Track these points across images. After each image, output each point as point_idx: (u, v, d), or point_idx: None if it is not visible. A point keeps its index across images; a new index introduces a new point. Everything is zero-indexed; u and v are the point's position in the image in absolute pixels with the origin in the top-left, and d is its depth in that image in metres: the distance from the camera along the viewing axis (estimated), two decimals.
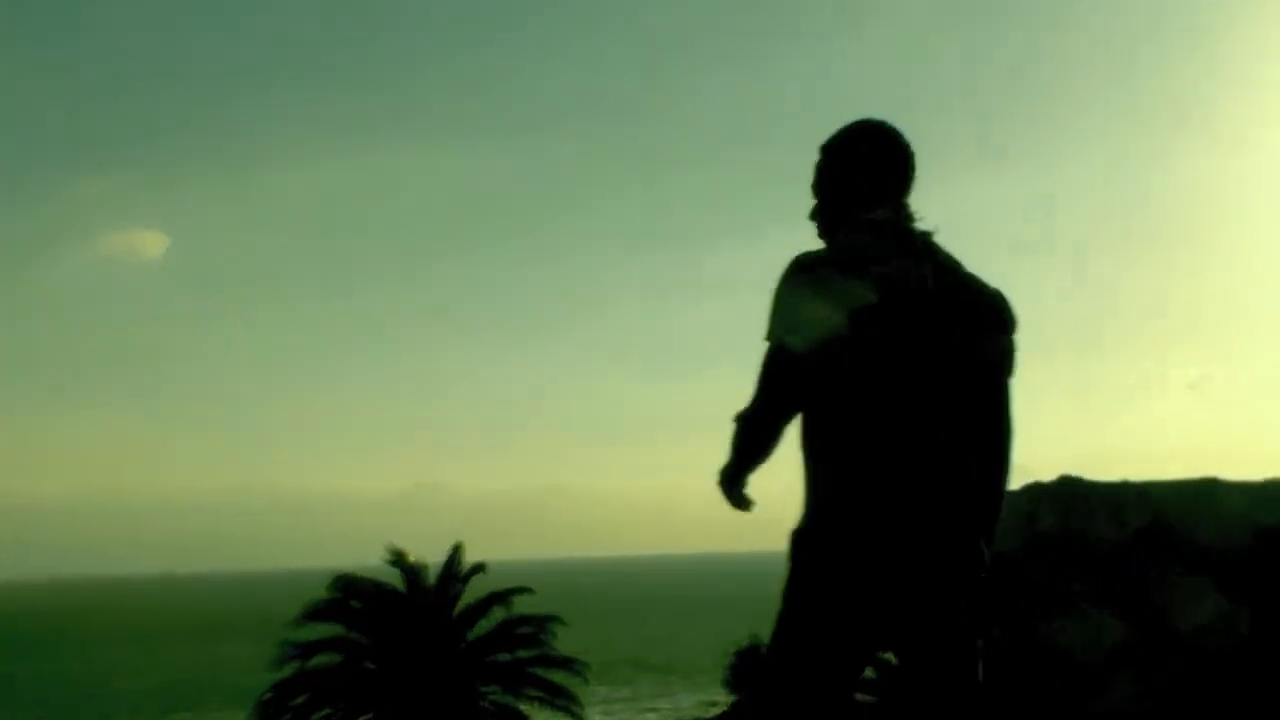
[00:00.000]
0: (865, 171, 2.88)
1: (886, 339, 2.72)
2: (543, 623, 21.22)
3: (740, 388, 2.83)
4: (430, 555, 21.67)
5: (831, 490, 2.78)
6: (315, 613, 20.74)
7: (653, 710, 52.81)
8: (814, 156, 2.97)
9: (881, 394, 2.73)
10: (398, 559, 21.26)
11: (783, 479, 2.97)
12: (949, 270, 2.84)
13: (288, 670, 20.11)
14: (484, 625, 21.17)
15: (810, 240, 2.92)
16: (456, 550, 21.43)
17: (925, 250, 2.85)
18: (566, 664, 21.26)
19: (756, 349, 2.83)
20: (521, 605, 21.27)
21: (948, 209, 2.95)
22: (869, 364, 2.72)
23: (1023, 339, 2.89)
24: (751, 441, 2.85)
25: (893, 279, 2.74)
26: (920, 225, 2.89)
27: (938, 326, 2.76)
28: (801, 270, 2.77)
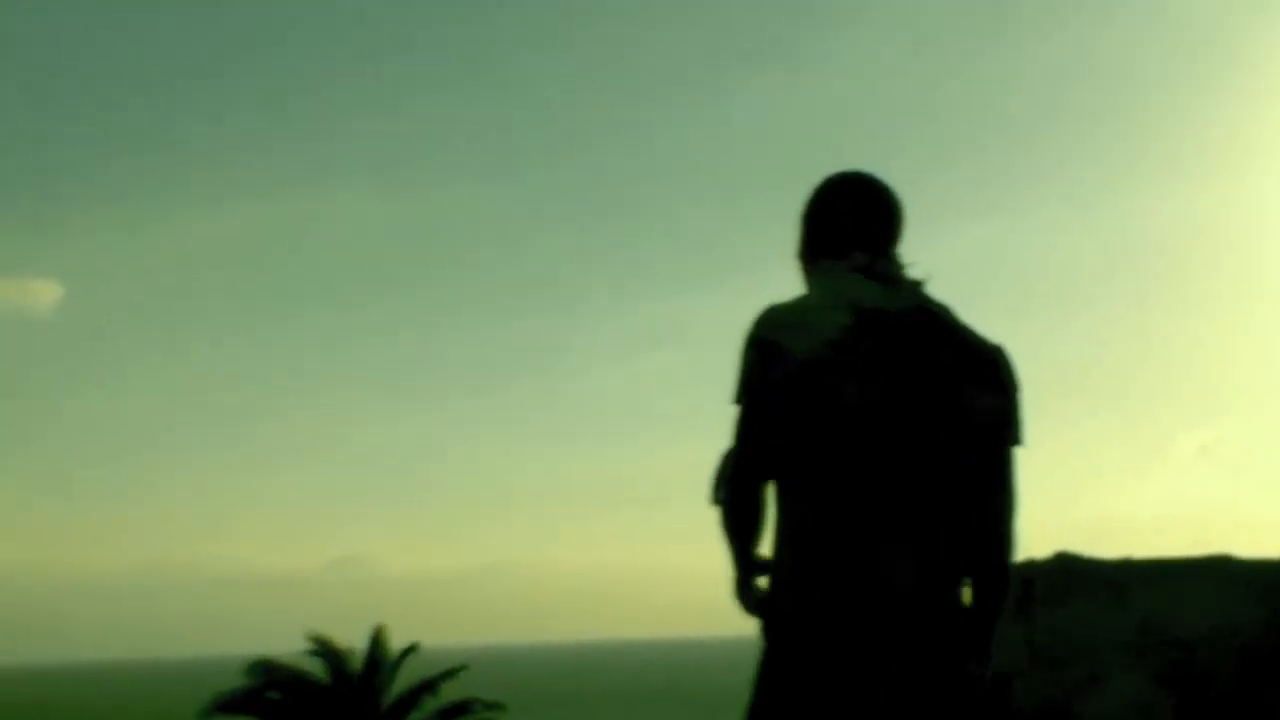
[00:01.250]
0: (844, 221, 2.91)
1: (851, 385, 2.69)
2: (482, 710, 20.98)
3: (699, 451, 2.79)
4: (355, 638, 21.45)
5: (798, 566, 2.75)
6: (228, 704, 20.41)
7: None
8: (783, 200, 3.00)
9: (845, 456, 2.69)
10: (319, 645, 21.02)
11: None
12: (937, 319, 2.82)
13: None
14: (416, 717, 20.89)
15: (753, 289, 2.95)
16: (378, 634, 21.21)
17: (912, 297, 2.84)
18: None
19: (712, 405, 2.84)
20: (458, 691, 21.04)
21: (929, 255, 2.94)
22: (832, 420, 2.69)
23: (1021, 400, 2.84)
24: (741, 515, 2.80)
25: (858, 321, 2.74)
26: (911, 273, 2.89)
27: (915, 378, 2.73)
28: (754, 327, 2.79)
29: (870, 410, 2.70)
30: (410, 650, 21.24)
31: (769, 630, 2.78)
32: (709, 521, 2.86)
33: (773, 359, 2.72)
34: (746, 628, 2.94)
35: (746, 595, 2.83)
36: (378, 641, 21.22)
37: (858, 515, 2.69)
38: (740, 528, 2.81)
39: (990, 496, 2.78)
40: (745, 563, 2.82)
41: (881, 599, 2.68)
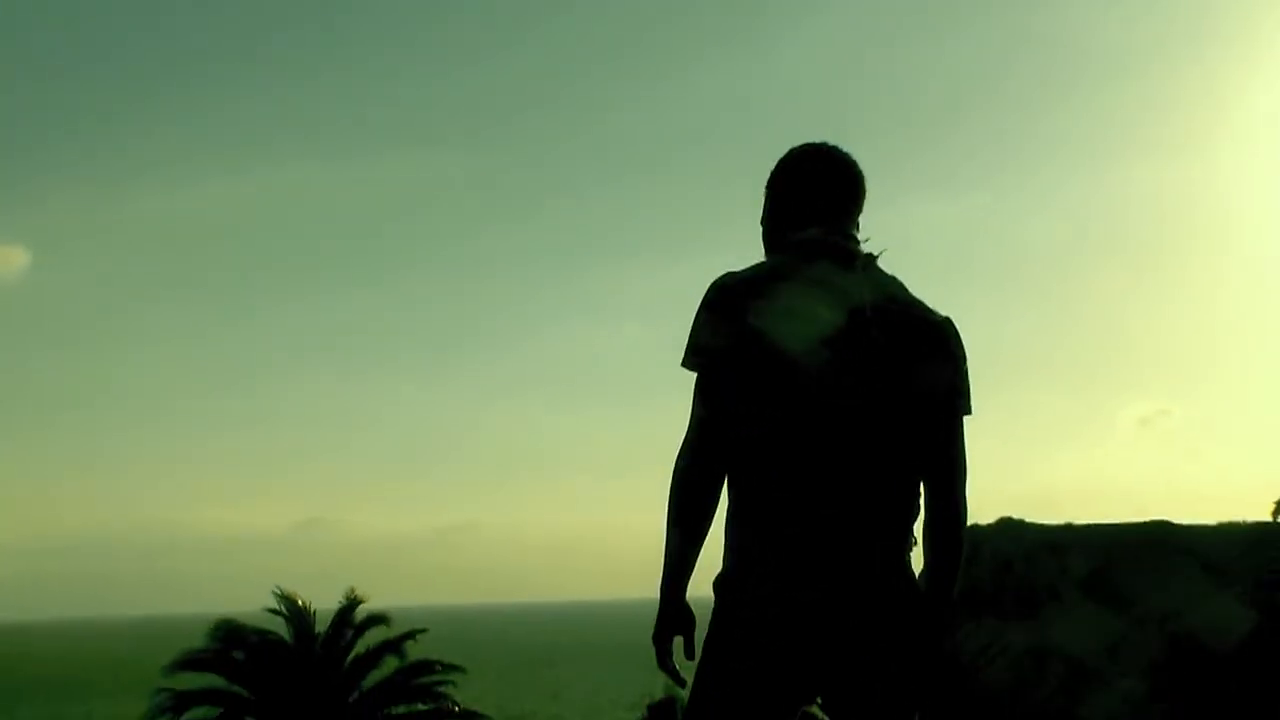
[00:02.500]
0: (805, 192, 2.93)
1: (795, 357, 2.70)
2: (443, 672, 21.02)
3: (660, 420, 2.78)
4: (320, 598, 21.42)
5: (749, 534, 2.76)
6: (192, 661, 20.32)
7: None
8: (742, 174, 3.00)
9: (800, 421, 2.69)
10: (283, 605, 20.99)
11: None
12: (887, 294, 2.82)
13: None
14: (378, 676, 20.91)
15: (731, 257, 2.95)
16: (352, 599, 21.20)
17: (865, 271, 2.84)
18: (469, 719, 21.05)
19: (674, 375, 2.80)
20: (420, 651, 21.07)
21: (888, 231, 2.94)
22: (787, 394, 2.69)
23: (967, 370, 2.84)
24: (694, 486, 2.75)
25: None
26: (864, 247, 2.89)
27: (869, 350, 2.73)
28: (710, 292, 2.80)
29: (824, 384, 2.70)
30: (377, 619, 21.17)
31: (719, 593, 2.79)
32: (663, 490, 2.81)
33: (731, 325, 2.72)
34: (702, 589, 2.94)
35: (665, 606, 2.79)
36: (348, 603, 21.17)
37: (811, 486, 2.69)
38: (689, 502, 2.76)
39: (941, 466, 2.79)
40: (681, 558, 2.77)
41: (832, 566, 2.68)
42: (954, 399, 2.82)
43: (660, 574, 2.81)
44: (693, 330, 2.79)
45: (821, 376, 2.70)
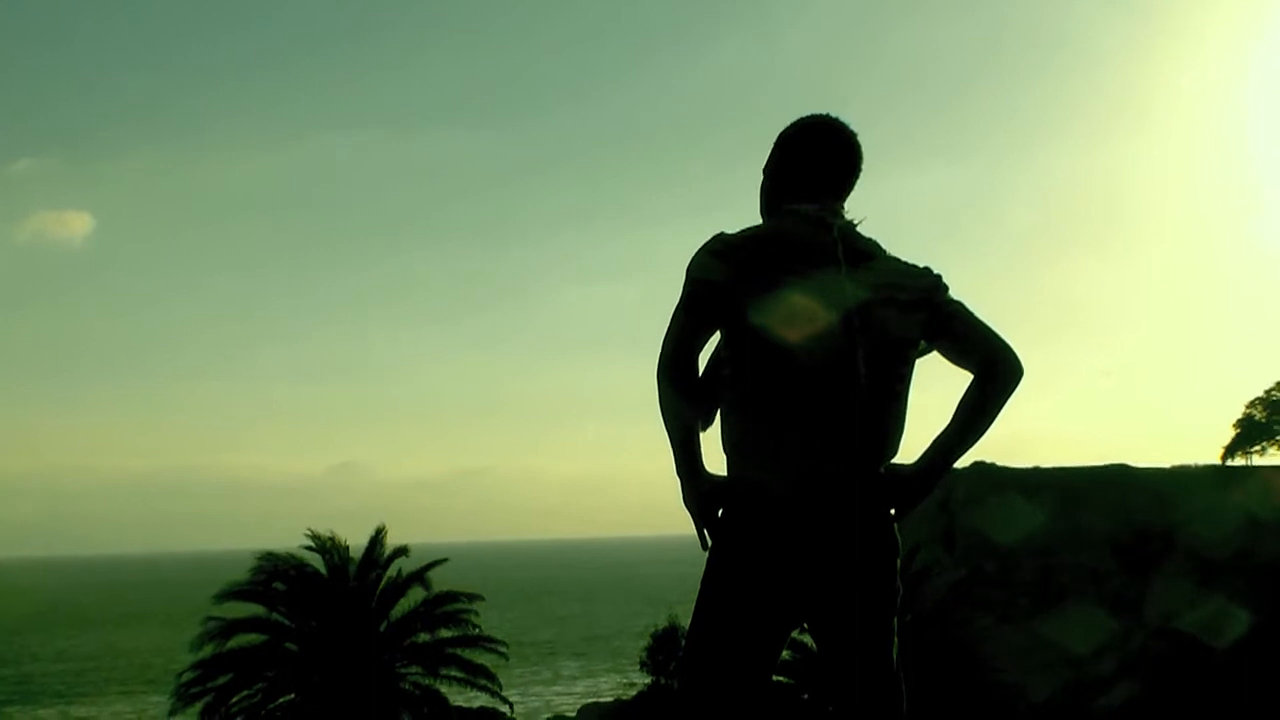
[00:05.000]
0: (808, 164, 2.89)
1: (786, 294, 2.69)
2: (464, 601, 21.19)
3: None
4: (351, 537, 21.60)
5: (740, 455, 2.76)
6: (238, 593, 20.52)
7: (572, 692, 52.88)
8: (741, 147, 2.98)
9: (785, 370, 2.69)
10: (319, 542, 21.12)
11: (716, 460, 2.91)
12: (864, 253, 2.81)
13: (208, 650, 19.87)
14: (405, 606, 21.07)
15: (706, 228, 2.94)
16: (379, 533, 21.33)
17: (843, 236, 2.82)
18: (488, 644, 21.21)
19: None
20: (443, 584, 21.22)
21: (874, 200, 2.92)
22: (772, 315, 2.69)
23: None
24: (675, 383, 2.74)
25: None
26: (845, 218, 2.87)
27: (845, 293, 2.72)
28: (712, 241, 2.78)
29: (812, 355, 2.70)
30: (401, 551, 21.34)
31: (718, 526, 2.77)
32: (663, 437, 2.81)
33: (729, 271, 2.72)
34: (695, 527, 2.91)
35: (694, 484, 2.76)
36: (377, 539, 21.30)
37: (796, 421, 2.70)
38: (678, 396, 2.75)
39: (973, 342, 2.82)
40: (689, 449, 2.76)
41: (817, 494, 2.69)
42: (941, 293, 2.83)
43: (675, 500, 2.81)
44: (691, 267, 2.77)
45: (811, 352, 2.70)
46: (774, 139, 3.00)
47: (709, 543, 2.78)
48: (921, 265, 2.87)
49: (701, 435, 2.80)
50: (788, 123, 2.98)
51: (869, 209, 2.92)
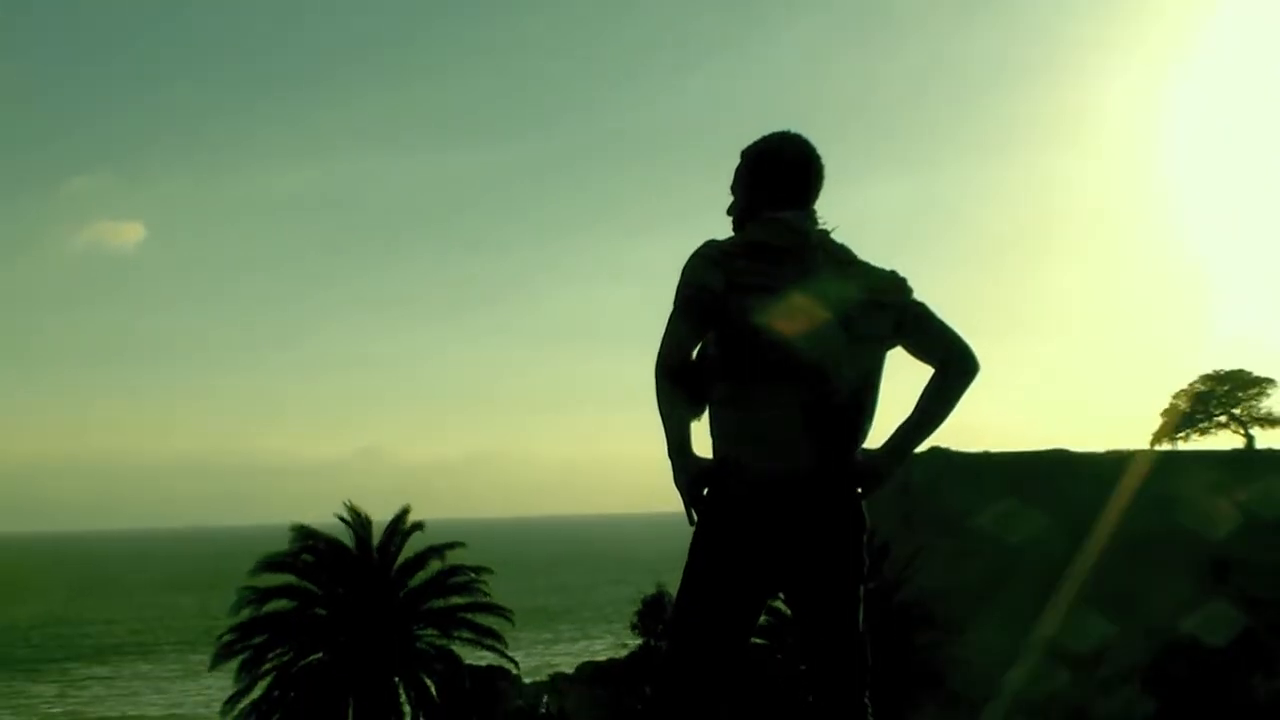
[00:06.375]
0: (778, 177, 2.90)
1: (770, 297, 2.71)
2: (474, 573, 21.26)
3: (650, 365, 2.80)
4: (373, 514, 21.61)
5: (728, 441, 2.78)
6: (271, 564, 20.63)
7: (569, 653, 52.93)
8: (724, 160, 3.01)
9: (775, 345, 2.71)
10: (347, 518, 21.22)
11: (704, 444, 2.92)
12: (839, 259, 2.84)
13: (245, 614, 20.02)
14: (422, 576, 21.15)
15: (693, 234, 2.96)
16: (404, 512, 21.40)
17: (822, 243, 2.85)
18: (495, 610, 21.30)
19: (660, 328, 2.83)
20: (456, 558, 21.28)
21: (846, 209, 2.94)
22: (757, 320, 2.71)
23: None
24: (673, 387, 2.77)
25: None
26: (820, 226, 2.89)
27: (836, 295, 2.75)
28: (703, 246, 2.80)
29: (802, 358, 2.73)
30: (418, 526, 21.42)
31: (704, 505, 2.80)
32: (656, 422, 2.85)
33: (721, 276, 2.73)
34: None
35: (683, 466, 2.77)
36: (402, 516, 21.37)
37: (781, 414, 2.73)
38: (675, 393, 2.77)
39: (940, 343, 2.86)
40: (682, 437, 2.77)
41: (794, 476, 2.73)
42: (908, 295, 2.86)
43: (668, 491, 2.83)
44: (686, 273, 2.78)
45: (802, 351, 2.73)
46: (751, 147, 2.97)
47: (696, 519, 2.83)
48: (888, 269, 2.90)
49: (692, 425, 2.84)
50: (756, 135, 2.98)
51: (832, 219, 2.94)
